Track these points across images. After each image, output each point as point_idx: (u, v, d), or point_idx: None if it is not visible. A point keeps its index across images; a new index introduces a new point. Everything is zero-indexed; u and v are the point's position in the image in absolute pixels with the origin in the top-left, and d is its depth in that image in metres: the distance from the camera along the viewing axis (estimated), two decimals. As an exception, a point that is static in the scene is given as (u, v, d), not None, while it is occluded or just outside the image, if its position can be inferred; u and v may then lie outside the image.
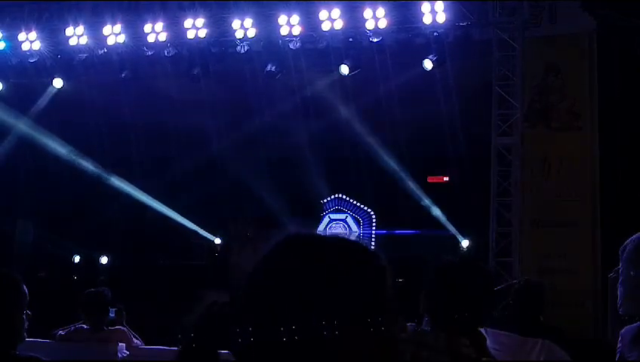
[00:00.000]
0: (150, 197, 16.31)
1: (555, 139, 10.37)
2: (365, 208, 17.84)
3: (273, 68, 11.49)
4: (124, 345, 6.35)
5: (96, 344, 6.46)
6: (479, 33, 10.74)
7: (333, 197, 17.86)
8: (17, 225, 14.93)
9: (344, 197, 17.97)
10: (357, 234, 17.69)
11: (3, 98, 12.91)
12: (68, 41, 11.98)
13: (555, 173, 10.25)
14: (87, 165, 15.35)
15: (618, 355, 5.09)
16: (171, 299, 12.21)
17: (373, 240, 17.63)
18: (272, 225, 15.60)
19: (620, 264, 5.96)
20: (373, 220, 17.73)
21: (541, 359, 5.03)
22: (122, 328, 6.79)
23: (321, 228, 17.22)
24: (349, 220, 17.91)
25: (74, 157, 15.05)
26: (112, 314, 6.78)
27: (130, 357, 6.24)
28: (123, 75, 11.97)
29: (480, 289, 3.43)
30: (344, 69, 11.27)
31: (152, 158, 16.72)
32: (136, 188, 16.20)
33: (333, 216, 18.00)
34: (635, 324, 5.18)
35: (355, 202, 17.94)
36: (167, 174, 16.40)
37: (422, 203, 15.76)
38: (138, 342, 6.81)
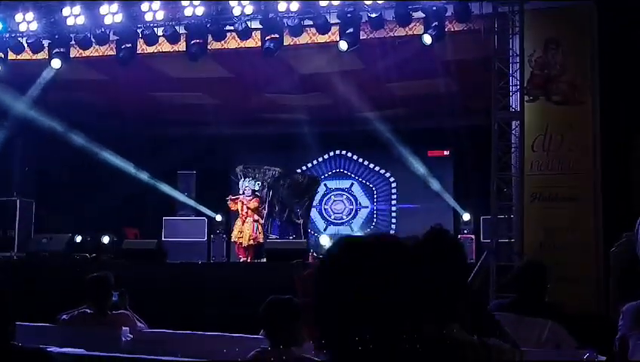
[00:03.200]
0: (150, 176, 16.34)
1: (556, 113, 10.31)
2: (381, 171, 17.54)
3: (271, 45, 11.41)
4: (127, 328, 6.37)
5: (100, 328, 6.48)
6: (478, 7, 10.65)
7: (330, 155, 17.63)
8: (19, 204, 14.92)
9: (350, 155, 17.76)
10: (369, 210, 17.64)
11: (1, 79, 12.86)
12: (65, 20, 11.92)
13: (556, 147, 10.20)
14: (87, 144, 15.37)
15: (619, 333, 5.11)
16: (173, 277, 12.24)
17: (393, 217, 17.49)
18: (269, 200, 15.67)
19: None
20: (393, 189, 17.47)
21: (543, 339, 5.06)
22: (126, 312, 6.80)
23: (314, 203, 16.97)
24: (357, 189, 17.73)
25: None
26: (115, 298, 6.77)
27: (134, 341, 6.26)
28: (120, 54, 11.90)
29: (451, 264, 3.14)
30: (343, 45, 11.19)
31: (151, 137, 16.75)
32: (137, 167, 16.23)
33: (332, 185, 17.69)
34: (636, 302, 5.19)
35: (365, 162, 17.66)
36: (168, 153, 16.45)
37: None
38: (142, 325, 6.82)
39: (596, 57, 10.20)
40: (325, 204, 17.53)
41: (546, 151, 10.26)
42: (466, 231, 14.61)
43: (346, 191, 17.57)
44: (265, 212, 15.24)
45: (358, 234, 14.80)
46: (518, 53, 10.43)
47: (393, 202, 17.30)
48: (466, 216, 14.78)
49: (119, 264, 12.41)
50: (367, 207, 17.50)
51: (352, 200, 17.53)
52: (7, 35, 12.23)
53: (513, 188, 10.37)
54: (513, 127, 10.46)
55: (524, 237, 10.07)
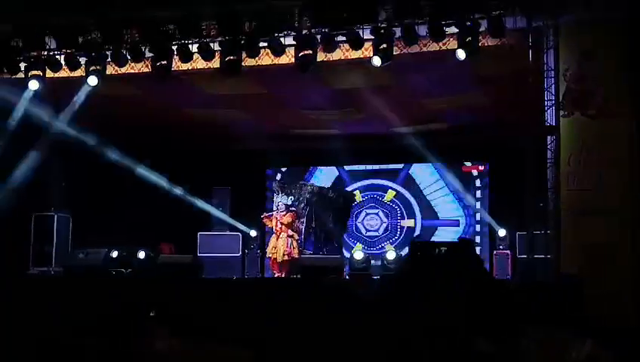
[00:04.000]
0: (186, 191, 16.43)
1: (592, 127, 10.21)
2: (391, 204, 17.44)
3: (305, 61, 11.43)
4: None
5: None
6: (512, 22, 10.60)
7: (366, 198, 17.57)
8: (56, 220, 15.12)
9: (375, 196, 17.73)
10: (387, 224, 17.40)
11: (39, 96, 13.04)
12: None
13: (592, 162, 10.12)
14: (123, 160, 15.53)
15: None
16: (207, 293, 12.28)
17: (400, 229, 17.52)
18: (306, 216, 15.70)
19: None
20: (398, 213, 17.26)
21: (582, 356, 5.00)
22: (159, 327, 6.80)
23: (359, 219, 17.21)
24: (380, 214, 17.45)
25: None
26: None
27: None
28: (156, 71, 12.00)
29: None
30: (376, 61, 11.20)
31: (187, 153, 16.84)
32: (171, 183, 16.35)
33: (368, 211, 17.46)
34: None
35: (383, 200, 17.50)
36: (203, 168, 16.55)
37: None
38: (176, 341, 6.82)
39: (631, 70, 10.10)
40: (356, 217, 17.44)
41: (583, 166, 10.17)
42: (501, 247, 14.50)
43: (375, 214, 17.59)
44: (302, 227, 15.29)
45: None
46: (552, 67, 10.38)
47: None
48: (502, 232, 14.65)
49: (154, 279, 12.52)
50: (385, 222, 17.33)
51: (379, 218, 17.47)
52: (45, 54, 12.39)
53: (549, 204, 10.30)
54: (549, 141, 10.40)
55: (560, 252, 9.98)
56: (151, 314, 6.78)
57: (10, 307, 10.70)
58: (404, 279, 3.68)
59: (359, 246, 16.80)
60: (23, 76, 12.53)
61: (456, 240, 15.06)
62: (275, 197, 15.33)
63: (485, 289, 3.22)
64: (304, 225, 15.34)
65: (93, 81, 12.30)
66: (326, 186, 16.67)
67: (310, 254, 15.18)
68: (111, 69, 12.45)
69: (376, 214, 17.30)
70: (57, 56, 12.38)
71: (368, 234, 17.19)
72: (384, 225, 17.16)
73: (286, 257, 14.62)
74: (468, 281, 3.16)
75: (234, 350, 6.09)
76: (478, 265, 3.27)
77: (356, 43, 11.20)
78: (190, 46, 11.85)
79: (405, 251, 15.25)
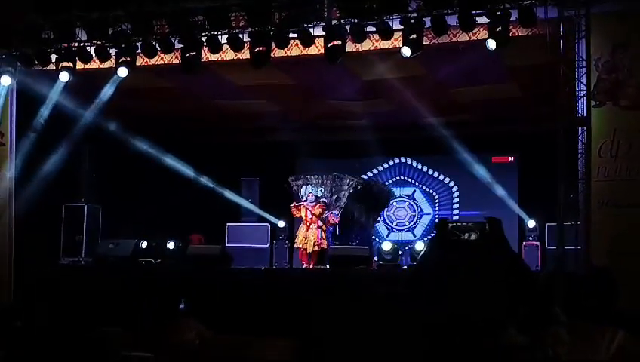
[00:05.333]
0: (215, 183, 16.50)
1: (623, 117, 10.10)
2: (443, 179, 17.10)
3: (334, 52, 11.37)
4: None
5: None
6: (543, 11, 10.49)
7: (392, 163, 17.30)
8: (86, 210, 15.23)
9: (411, 162, 17.54)
10: (431, 216, 17.36)
11: (69, 87, 13.11)
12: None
13: (623, 153, 10.01)
14: (152, 151, 15.62)
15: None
16: (236, 283, 12.33)
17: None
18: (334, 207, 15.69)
19: None
20: (455, 197, 17.08)
21: (613, 348, 4.97)
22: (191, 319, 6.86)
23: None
24: (419, 196, 17.43)
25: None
26: (182, 306, 6.84)
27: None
28: (185, 62, 12.01)
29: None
30: (406, 51, 11.14)
31: (216, 144, 16.90)
32: (198, 173, 16.44)
33: (395, 192, 16.87)
34: None
35: (427, 170, 17.32)
36: (231, 159, 16.60)
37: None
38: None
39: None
40: (388, 210, 17.21)
41: (614, 157, 10.08)
42: (531, 238, 14.44)
43: (408, 198, 17.27)
44: (336, 219, 15.30)
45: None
46: (584, 57, 10.27)
47: (455, 211, 16.98)
48: (531, 223, 14.59)
49: (184, 270, 12.60)
50: (429, 213, 17.22)
51: (415, 206, 17.26)
52: (76, 45, 12.45)
53: (580, 195, 10.22)
54: (580, 132, 10.30)
55: (591, 243, 9.90)
56: (180, 305, 6.85)
57: (42, 297, 10.82)
58: (430, 267, 3.67)
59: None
60: (54, 68, 12.59)
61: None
62: (303, 189, 15.30)
63: (517, 279, 3.21)
64: (338, 216, 15.31)
65: (123, 72, 12.34)
66: (363, 179, 16.60)
67: (338, 245, 15.18)
68: (140, 61, 12.48)
69: (403, 207, 17.33)
70: (88, 48, 12.43)
71: (397, 222, 17.15)
72: (409, 215, 17.25)
73: (316, 248, 14.63)
74: (499, 269, 3.14)
75: (272, 341, 6.13)
76: (510, 252, 3.26)
77: (386, 33, 11.13)
78: (219, 37, 11.85)
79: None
